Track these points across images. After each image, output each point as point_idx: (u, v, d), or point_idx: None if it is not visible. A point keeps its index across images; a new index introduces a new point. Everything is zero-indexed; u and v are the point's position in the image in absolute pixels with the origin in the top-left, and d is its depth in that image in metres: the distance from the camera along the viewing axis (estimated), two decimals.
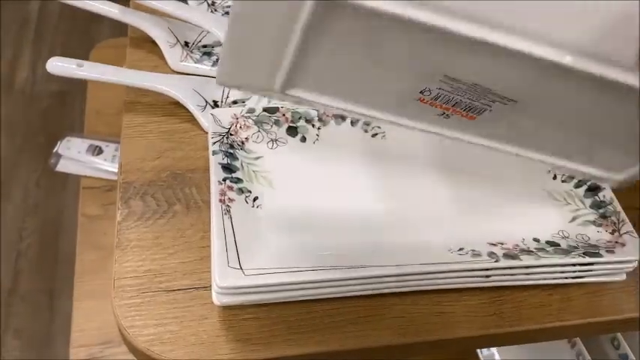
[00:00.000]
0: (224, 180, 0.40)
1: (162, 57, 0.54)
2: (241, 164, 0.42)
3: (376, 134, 0.45)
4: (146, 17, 0.53)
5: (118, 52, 1.16)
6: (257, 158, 0.43)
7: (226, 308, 0.38)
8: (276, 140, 0.44)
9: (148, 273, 0.40)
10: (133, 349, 0.37)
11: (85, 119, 1.02)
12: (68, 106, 1.93)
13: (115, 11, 0.53)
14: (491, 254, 0.39)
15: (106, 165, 0.94)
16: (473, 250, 0.39)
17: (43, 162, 1.76)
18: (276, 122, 0.45)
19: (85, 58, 2.02)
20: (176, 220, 0.43)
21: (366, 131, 0.45)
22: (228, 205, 0.39)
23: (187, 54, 0.53)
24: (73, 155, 0.94)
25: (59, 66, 0.47)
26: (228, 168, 0.41)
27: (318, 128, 0.45)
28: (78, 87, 1.98)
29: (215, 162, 0.41)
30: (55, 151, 0.94)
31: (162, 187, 0.44)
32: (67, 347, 1.40)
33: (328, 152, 0.44)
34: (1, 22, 2.17)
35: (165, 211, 0.43)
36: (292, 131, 0.45)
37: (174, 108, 0.50)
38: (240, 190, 0.40)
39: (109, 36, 2.18)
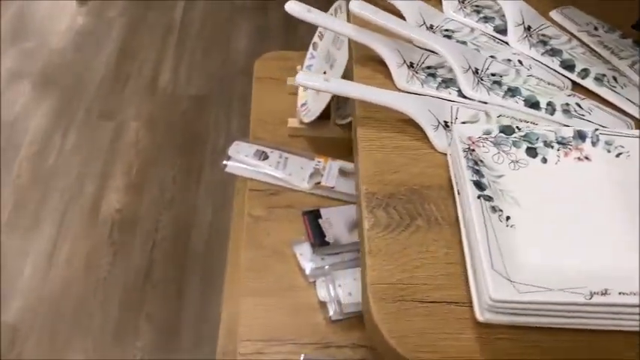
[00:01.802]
0: (478, 197, 0.41)
1: (386, 76, 0.56)
2: (488, 182, 0.43)
3: (620, 154, 0.45)
4: (378, 38, 0.56)
5: (280, 63, 1.22)
6: (499, 177, 0.44)
7: (481, 326, 0.39)
8: (517, 162, 0.45)
9: (399, 282, 0.41)
10: (395, 355, 0.38)
11: (251, 127, 1.07)
12: (205, 109, 2.04)
13: (349, 30, 0.56)
14: None
15: (271, 170, 0.98)
16: None
17: (179, 160, 1.87)
18: (514, 143, 0.46)
19: (223, 63, 2.12)
20: (419, 235, 0.44)
21: (608, 151, 0.45)
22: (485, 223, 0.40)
23: (413, 74, 0.55)
24: (241, 159, 0.99)
25: (307, 78, 0.51)
26: (478, 184, 0.42)
27: (558, 150, 0.45)
28: (214, 92, 2.09)
29: (468, 179, 0.42)
30: (227, 153, 1.00)
31: (402, 201, 0.46)
32: (194, 335, 1.47)
33: (571, 172, 0.44)
34: (148, 28, 2.33)
35: (408, 225, 0.45)
36: (532, 152, 0.46)
37: (404, 125, 0.52)
38: (493, 209, 0.41)
39: (246, 44, 2.29)
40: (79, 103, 2.02)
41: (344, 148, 1.03)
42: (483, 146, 0.45)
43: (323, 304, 0.83)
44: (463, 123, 0.51)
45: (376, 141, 0.51)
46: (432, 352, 0.38)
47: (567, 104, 0.53)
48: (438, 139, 0.50)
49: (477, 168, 0.43)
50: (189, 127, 1.98)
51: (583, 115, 0.52)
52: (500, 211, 0.41)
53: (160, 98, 2.07)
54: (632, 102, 0.55)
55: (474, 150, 0.44)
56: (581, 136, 0.46)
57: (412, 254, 0.43)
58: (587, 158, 0.45)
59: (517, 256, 0.38)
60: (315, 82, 0.51)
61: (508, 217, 0.41)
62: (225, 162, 0.99)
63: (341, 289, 0.82)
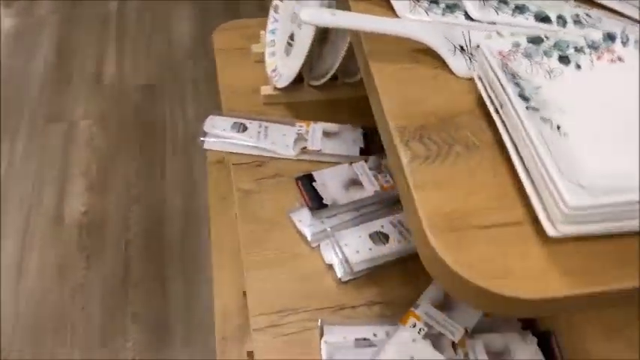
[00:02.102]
0: (527, 109, 0.39)
1: (387, 8, 0.53)
2: (529, 94, 0.41)
3: None
4: None
5: (239, 32, 1.17)
6: (538, 88, 0.42)
7: (549, 242, 0.37)
8: (551, 71, 0.43)
9: (454, 211, 0.39)
10: (465, 285, 0.36)
11: (222, 100, 1.03)
12: (157, 98, 1.96)
13: None
14: None
15: (253, 141, 0.94)
16: None
17: (139, 153, 1.80)
18: (545, 53, 0.44)
19: (168, 49, 2.06)
20: (461, 161, 0.42)
21: None
22: None
23: (415, 4, 0.52)
24: (219, 133, 0.95)
25: (313, 15, 0.47)
26: (522, 97, 0.40)
27: (590, 54, 0.44)
28: (164, 80, 2.01)
29: (512, 92, 0.40)
30: (203, 129, 0.95)
31: (435, 131, 0.44)
32: (184, 327, 1.42)
33: (607, 75, 0.43)
34: (83, 23, 2.22)
35: (448, 153, 0.42)
36: (564, 60, 0.44)
37: (416, 55, 0.50)
38: (543, 120, 0.39)
39: (189, 28, 2.21)
40: (22, 109, 1.91)
41: (323, 110, 1.00)
42: (515, 59, 0.43)
43: (330, 268, 0.81)
44: (477, 46, 0.48)
45: (392, 75, 0.48)
46: (504, 277, 0.36)
47: (577, 15, 0.51)
48: (457, 64, 0.47)
49: (516, 81, 0.41)
50: (143, 118, 1.90)
51: (594, 24, 0.51)
52: (550, 120, 0.39)
53: (108, 92, 1.98)
54: (636, 7, 0.53)
55: (507, 64, 0.42)
56: (610, 37, 0.44)
57: (460, 181, 0.41)
58: (619, 59, 0.44)
59: (578, 162, 0.36)
60: (322, 18, 0.47)
61: (559, 126, 0.39)
62: (202, 138, 0.94)
63: (347, 249, 0.80)
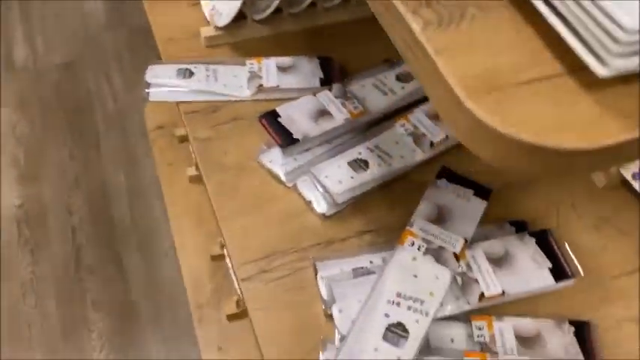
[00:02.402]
0: None
1: None
2: None
3: None
4: None
5: None
6: None
7: (596, 89, 0.33)
8: None
9: (486, 72, 0.34)
10: (519, 148, 0.31)
11: (160, 48, 0.94)
12: (78, 75, 1.82)
13: None
14: None
15: (202, 86, 0.87)
16: None
17: (69, 134, 1.67)
18: None
19: (82, 23, 1.91)
20: (478, 23, 0.37)
21: None
22: None
23: None
24: (164, 82, 0.86)
25: None
26: None
27: None
28: (83, 55, 1.87)
29: None
30: (145, 81, 0.86)
31: None
32: (151, 305, 1.34)
33: None
34: None
35: (462, 15, 0.37)
36: None
37: None
38: None
39: (102, 7, 2.05)
40: None
41: (271, 46, 0.94)
42: None
43: (310, 204, 0.76)
44: None
45: None
46: (559, 130, 0.32)
47: None
48: None
49: None
50: (67, 97, 1.76)
51: None
52: None
53: (23, 76, 1.82)
54: None
55: None
56: None
57: (483, 41, 0.36)
58: None
59: (612, 24, 0.32)
60: None
61: None
62: (146, 90, 0.86)
63: (328, 180, 0.75)
